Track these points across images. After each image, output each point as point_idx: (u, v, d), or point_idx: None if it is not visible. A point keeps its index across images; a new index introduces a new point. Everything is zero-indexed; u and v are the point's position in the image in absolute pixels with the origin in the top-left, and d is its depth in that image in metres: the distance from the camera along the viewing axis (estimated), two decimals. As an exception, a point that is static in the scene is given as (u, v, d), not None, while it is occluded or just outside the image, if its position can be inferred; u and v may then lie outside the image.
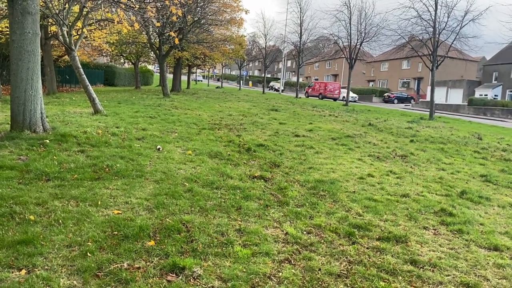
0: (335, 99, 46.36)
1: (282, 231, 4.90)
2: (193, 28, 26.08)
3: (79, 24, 12.86)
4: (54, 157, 6.97)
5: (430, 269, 4.19)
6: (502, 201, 7.02)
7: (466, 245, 4.93)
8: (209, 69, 73.25)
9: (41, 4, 10.74)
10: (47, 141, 7.98)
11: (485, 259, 4.55)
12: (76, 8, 14.29)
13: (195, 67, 54.13)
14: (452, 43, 25.58)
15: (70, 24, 12.90)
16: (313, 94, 49.65)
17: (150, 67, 57.64)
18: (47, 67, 22.75)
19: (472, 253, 4.69)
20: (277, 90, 64.17)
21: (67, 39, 12.55)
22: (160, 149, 8.57)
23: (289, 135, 12.48)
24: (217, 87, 55.92)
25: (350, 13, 34.48)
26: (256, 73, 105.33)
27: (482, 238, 5.15)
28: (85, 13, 12.90)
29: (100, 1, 12.37)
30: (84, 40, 23.33)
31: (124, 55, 36.00)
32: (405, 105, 48.65)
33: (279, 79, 72.40)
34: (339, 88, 49.01)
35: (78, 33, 14.93)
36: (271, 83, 73.61)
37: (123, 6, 10.72)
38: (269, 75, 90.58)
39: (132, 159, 7.49)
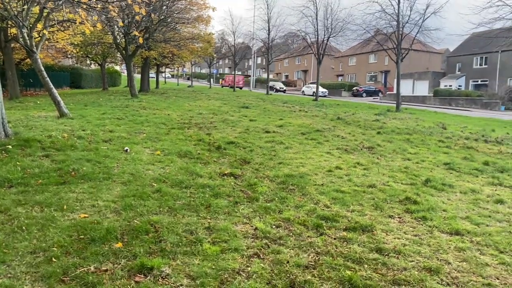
0: (240, 88, 60.26)
1: (251, 226, 4.94)
2: (160, 27, 25.78)
3: (40, 25, 12.49)
4: (17, 162, 6.79)
5: (394, 256, 4.32)
6: (464, 187, 7.28)
7: (430, 231, 5.10)
8: (178, 68, 72.61)
9: (-2, 5, 10.39)
10: (10, 146, 7.76)
11: (447, 244, 4.73)
12: (36, 9, 13.88)
13: (163, 67, 53.52)
14: (415, 36, 26.23)
15: (30, 25, 12.53)
16: (225, 85, 64.12)
17: (117, 67, 56.58)
18: (8, 70, 22.00)
19: (435, 239, 4.86)
20: (278, 90, 59.21)
21: (28, 41, 12.19)
22: (128, 151, 8.46)
23: (259, 131, 12.54)
24: (188, 86, 55.48)
25: (316, 8, 34.85)
26: (227, 70, 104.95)
27: (445, 224, 5.33)
28: (45, 14, 12.56)
29: (61, 1, 12.06)
30: (46, 42, 22.67)
31: (90, 56, 35.23)
32: (373, 98, 49.54)
33: (250, 76, 72.22)
34: (242, 79, 64.97)
35: (40, 35, 14.51)
36: (271, 83, 61.46)
37: (85, 7, 10.49)
38: (239, 73, 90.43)
39: (99, 161, 7.38)
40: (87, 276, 3.49)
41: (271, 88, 60.29)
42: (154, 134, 10.79)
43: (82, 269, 3.61)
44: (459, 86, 49.57)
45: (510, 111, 33.63)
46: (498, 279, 3.96)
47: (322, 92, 48.07)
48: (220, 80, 68.83)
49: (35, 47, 12.59)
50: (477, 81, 48.59)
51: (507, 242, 4.80)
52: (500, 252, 4.57)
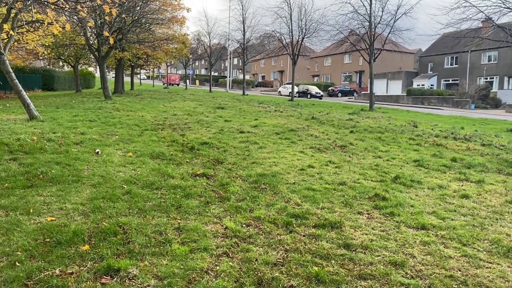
0: (178, 84, 73.55)
1: (222, 226, 4.95)
2: (133, 28, 25.48)
3: (7, 26, 12.18)
4: (-18, 167, 6.62)
5: (362, 251, 4.40)
6: (432, 183, 7.46)
7: (397, 226, 5.22)
8: (153, 69, 72.16)
9: (-38, 6, 10.09)
10: (-25, 150, 7.56)
11: (413, 238, 4.85)
12: (3, 10, 13.53)
13: (138, 68, 52.90)
14: (387, 36, 26.72)
15: (-3, 26, 12.21)
16: (165, 83, 73.15)
17: (91, 69, 55.59)
18: (-24, 73, 21.36)
19: (401, 234, 4.98)
20: (314, 96, 47.05)
21: (-6, 42, 11.88)
22: (99, 153, 8.35)
23: (234, 132, 12.55)
24: (164, 87, 55.04)
25: (290, 9, 35.13)
26: (203, 71, 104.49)
27: (411, 219, 5.46)
28: (13, 14, 12.26)
29: (29, 1, 11.79)
30: (16, 43, 22.13)
31: (63, 58, 34.51)
32: (348, 98, 50.20)
33: (226, 77, 72.18)
34: (178, 78, 78.83)
35: (8, 35, 14.14)
36: (299, 87, 49.98)
37: (53, 7, 10.29)
38: (216, 74, 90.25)
39: (69, 164, 7.26)
40: (52, 280, 3.44)
41: (305, 93, 47.94)
42: (126, 136, 10.67)
43: (47, 273, 3.56)
44: (431, 85, 50.73)
45: (480, 109, 34.64)
46: (460, 270, 4.09)
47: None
48: (162, 79, 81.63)
49: (2, 48, 12.28)
50: (449, 80, 49.82)
51: (470, 235, 4.96)
52: (463, 245, 4.72)
